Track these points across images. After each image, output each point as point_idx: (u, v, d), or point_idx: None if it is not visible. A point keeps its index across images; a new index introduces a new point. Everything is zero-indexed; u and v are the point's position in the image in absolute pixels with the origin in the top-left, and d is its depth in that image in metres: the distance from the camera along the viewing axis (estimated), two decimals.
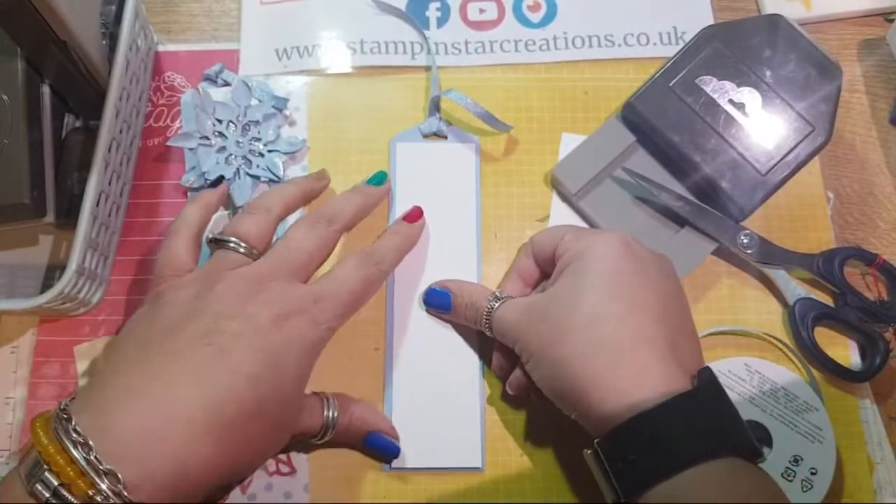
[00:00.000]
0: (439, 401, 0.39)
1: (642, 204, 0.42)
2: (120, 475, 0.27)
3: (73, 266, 0.35)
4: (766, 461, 0.38)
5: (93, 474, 0.27)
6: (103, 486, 0.27)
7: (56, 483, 0.27)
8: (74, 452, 0.27)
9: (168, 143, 0.43)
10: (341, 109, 0.45)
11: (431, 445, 0.38)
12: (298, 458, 0.38)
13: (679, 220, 0.41)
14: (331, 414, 0.36)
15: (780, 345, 0.41)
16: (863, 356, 0.41)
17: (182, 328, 0.32)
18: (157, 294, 0.34)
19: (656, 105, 0.41)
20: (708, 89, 0.41)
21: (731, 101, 0.41)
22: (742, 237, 0.41)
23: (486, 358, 0.40)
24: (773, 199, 0.41)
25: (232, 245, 0.36)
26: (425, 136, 0.44)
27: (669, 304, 0.34)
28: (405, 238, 0.40)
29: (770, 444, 0.38)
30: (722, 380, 0.38)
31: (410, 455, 0.38)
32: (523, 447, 0.39)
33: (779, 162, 0.40)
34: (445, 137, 0.44)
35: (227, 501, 0.37)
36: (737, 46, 0.42)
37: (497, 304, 0.37)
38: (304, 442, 0.37)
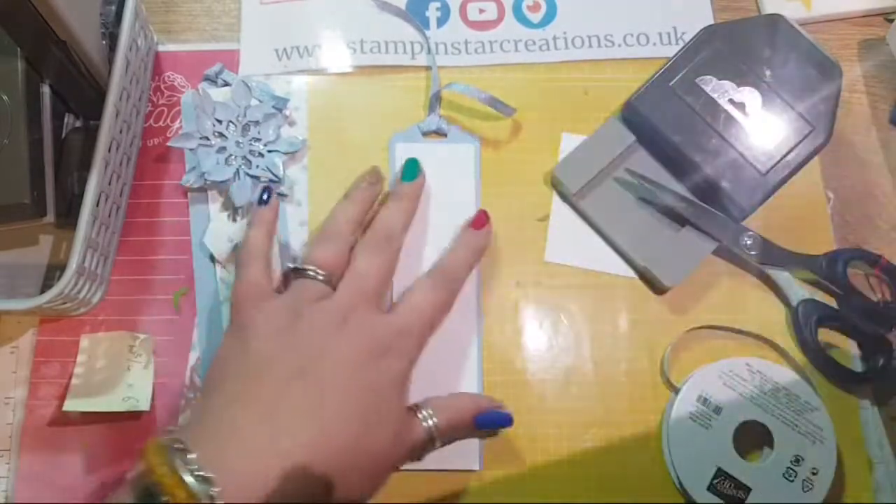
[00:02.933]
0: None
1: (642, 203, 0.42)
2: None
3: (73, 266, 0.35)
4: (768, 462, 0.38)
5: None
6: None
7: None
8: (196, 488, 0.28)
9: (168, 144, 0.43)
10: (341, 109, 0.45)
11: None
12: None
13: (679, 220, 0.41)
14: (430, 423, 0.35)
15: (778, 345, 0.40)
16: (866, 358, 0.40)
17: (277, 362, 0.33)
18: (242, 325, 0.35)
19: (656, 105, 0.41)
20: (708, 89, 0.41)
21: (731, 101, 0.41)
22: (745, 238, 0.41)
23: (485, 358, 0.40)
24: (773, 199, 0.41)
25: (311, 274, 0.37)
26: (425, 135, 0.44)
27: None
28: (475, 251, 0.40)
29: (772, 445, 0.38)
30: (724, 380, 0.39)
31: None
32: (521, 447, 0.39)
33: (779, 162, 0.40)
34: (445, 136, 0.44)
35: None
36: (737, 46, 0.42)
37: None
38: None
